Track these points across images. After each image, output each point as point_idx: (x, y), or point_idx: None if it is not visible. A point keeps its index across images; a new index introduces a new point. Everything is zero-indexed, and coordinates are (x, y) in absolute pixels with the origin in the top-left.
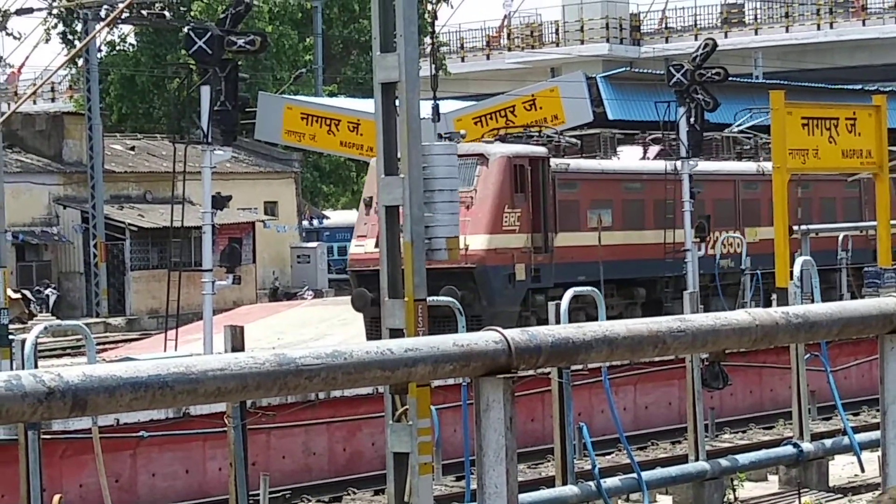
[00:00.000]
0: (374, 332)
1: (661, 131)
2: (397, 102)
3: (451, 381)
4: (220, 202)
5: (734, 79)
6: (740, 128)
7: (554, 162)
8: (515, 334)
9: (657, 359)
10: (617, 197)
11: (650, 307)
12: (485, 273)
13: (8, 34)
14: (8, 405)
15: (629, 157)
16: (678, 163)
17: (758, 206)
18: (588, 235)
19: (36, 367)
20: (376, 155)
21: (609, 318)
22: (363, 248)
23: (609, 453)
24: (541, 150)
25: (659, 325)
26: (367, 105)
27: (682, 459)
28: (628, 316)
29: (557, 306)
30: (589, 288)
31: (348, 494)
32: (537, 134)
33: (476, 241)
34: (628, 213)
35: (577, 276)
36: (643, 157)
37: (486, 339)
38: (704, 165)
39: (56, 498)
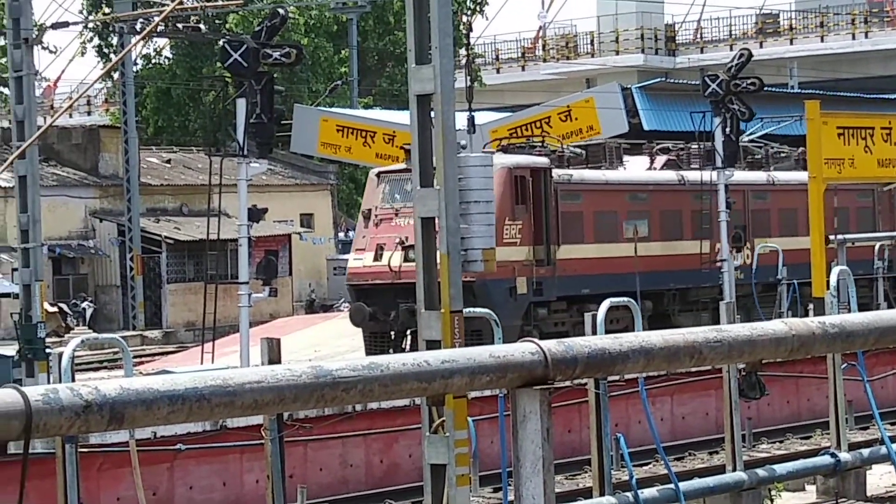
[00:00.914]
0: (373, 347)
1: (696, 142)
2: (433, 114)
3: (487, 393)
4: (256, 215)
5: (769, 89)
6: (751, 137)
7: (556, 173)
8: (552, 345)
9: (693, 369)
10: (622, 208)
11: (656, 320)
12: (485, 287)
13: (44, 48)
14: (45, 419)
15: (635, 168)
16: (707, 173)
17: (767, 217)
18: (592, 248)
19: (73, 380)
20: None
21: (612, 331)
22: (361, 261)
23: (646, 464)
24: (543, 161)
25: (695, 335)
26: (403, 117)
27: (720, 470)
28: (632, 329)
29: (594, 317)
30: (626, 299)
31: None
32: (540, 144)
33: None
34: (633, 225)
35: (580, 290)
36: (650, 168)
37: (523, 350)
38: (710, 175)
39: None
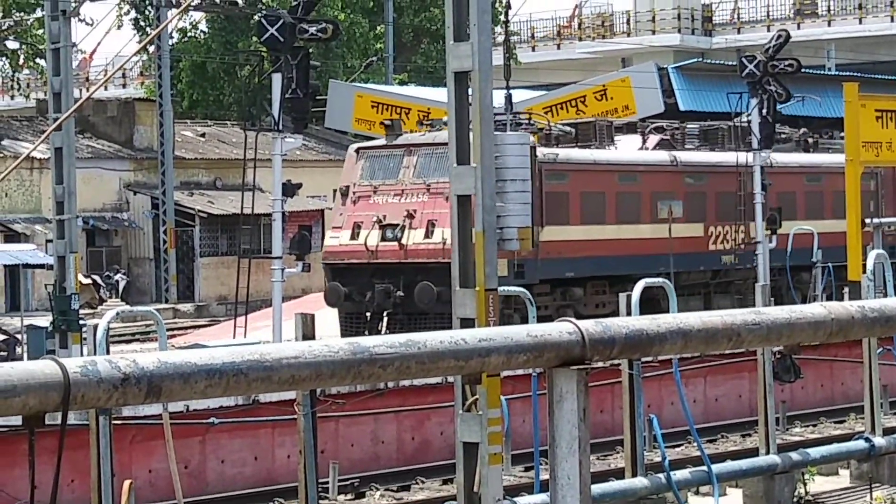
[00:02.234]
0: (348, 328)
1: (732, 122)
2: (470, 91)
3: (519, 371)
4: (290, 189)
5: (806, 70)
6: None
7: (541, 151)
8: (589, 325)
9: (727, 351)
10: (611, 189)
11: (644, 305)
12: None
13: (80, 20)
14: (84, 391)
15: (627, 147)
16: (737, 153)
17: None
18: (578, 229)
19: (108, 352)
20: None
21: (599, 316)
22: (338, 240)
23: (678, 445)
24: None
25: (734, 317)
26: (438, 94)
27: (753, 453)
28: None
29: (628, 297)
30: (661, 280)
31: (416, 483)
32: (526, 122)
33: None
34: (623, 207)
35: (565, 273)
36: (642, 147)
37: (560, 329)
38: (707, 156)
39: (127, 483)
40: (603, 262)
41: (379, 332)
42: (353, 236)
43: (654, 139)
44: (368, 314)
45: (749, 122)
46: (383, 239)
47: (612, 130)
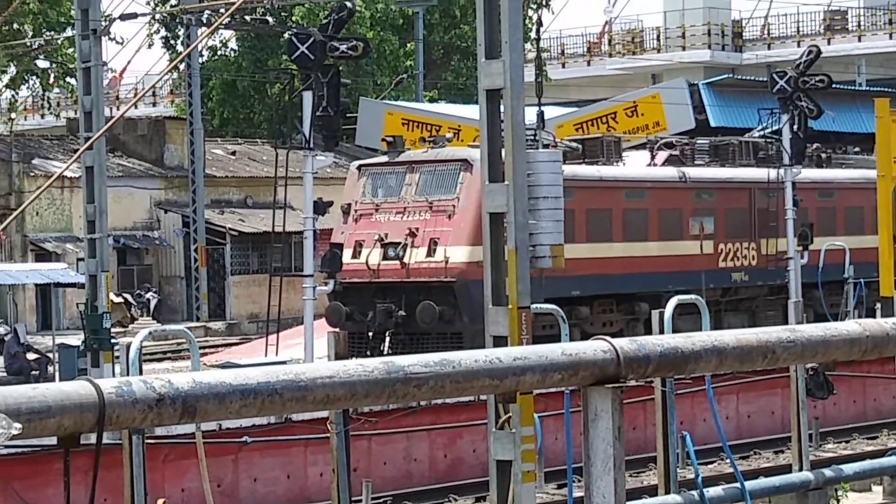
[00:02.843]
0: (350, 349)
1: (763, 138)
2: (502, 109)
3: (552, 389)
4: (321, 207)
5: (837, 86)
6: (762, 132)
7: None
8: (624, 343)
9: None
10: (618, 206)
11: (651, 324)
12: (466, 287)
13: (111, 39)
14: (119, 411)
15: (635, 164)
16: (749, 169)
17: (775, 216)
18: (584, 247)
19: (141, 371)
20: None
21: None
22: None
23: (711, 462)
24: None
25: (768, 335)
26: (468, 111)
27: (786, 469)
28: (629, 333)
29: (661, 315)
30: (693, 297)
31: (449, 501)
32: (532, 138)
33: (457, 254)
34: (630, 224)
35: (570, 291)
36: (650, 164)
37: (595, 348)
38: (717, 172)
39: (160, 503)
40: (610, 280)
41: (381, 353)
42: (355, 255)
43: (662, 155)
44: (371, 334)
45: (762, 137)
46: (385, 258)
47: (619, 146)
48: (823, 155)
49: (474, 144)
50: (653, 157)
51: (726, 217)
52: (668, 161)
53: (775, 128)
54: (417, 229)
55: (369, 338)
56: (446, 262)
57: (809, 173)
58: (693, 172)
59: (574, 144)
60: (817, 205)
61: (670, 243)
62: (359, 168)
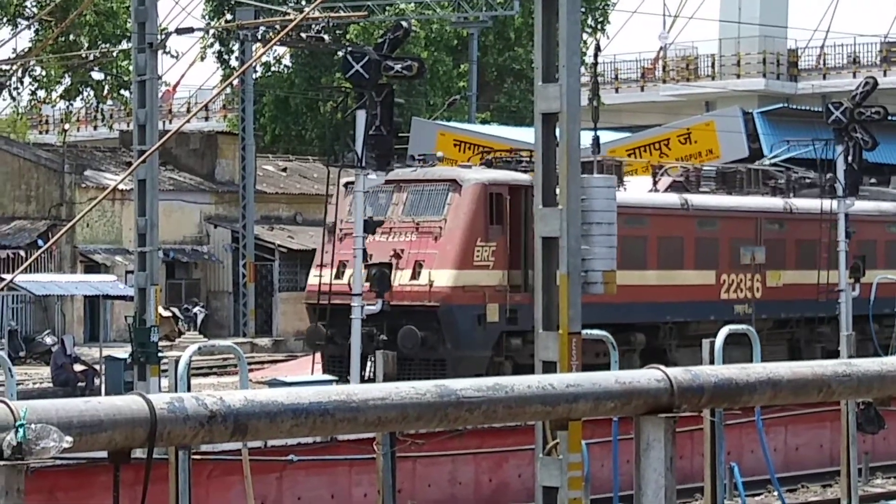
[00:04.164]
0: (331, 372)
1: (818, 170)
2: (558, 133)
3: (599, 416)
4: (371, 226)
5: (893, 118)
6: (774, 160)
7: None
8: (678, 373)
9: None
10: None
11: (648, 355)
12: (450, 313)
13: (165, 52)
14: (170, 427)
15: (636, 189)
16: (755, 198)
17: (783, 247)
18: None
19: (189, 387)
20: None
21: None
22: (322, 279)
23: (758, 494)
24: (523, 178)
25: (824, 368)
26: (520, 133)
27: (834, 503)
28: (624, 364)
29: (712, 344)
30: (744, 326)
31: None
32: (527, 159)
33: (442, 277)
34: (628, 251)
35: None
36: (652, 189)
37: (649, 377)
38: (722, 200)
39: None
40: (606, 310)
41: (363, 378)
42: (338, 275)
43: (665, 181)
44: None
45: (772, 165)
46: (368, 279)
47: (621, 170)
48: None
49: (465, 165)
50: (655, 183)
51: (730, 246)
52: (671, 187)
53: (828, 158)
54: (403, 251)
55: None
56: (430, 285)
57: (821, 203)
58: (696, 199)
59: None
60: (828, 237)
61: (670, 272)
62: (346, 185)
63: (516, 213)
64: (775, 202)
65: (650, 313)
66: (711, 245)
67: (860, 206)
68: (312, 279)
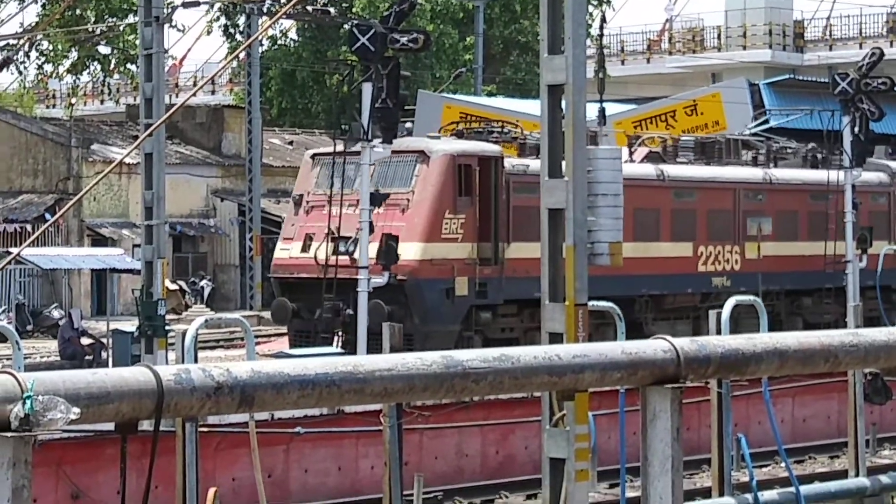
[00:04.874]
0: (300, 347)
1: (754, 136)
2: (563, 105)
3: (606, 388)
4: (378, 199)
5: None
6: (753, 130)
7: (508, 162)
8: (685, 344)
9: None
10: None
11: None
12: (417, 287)
13: (171, 26)
14: (177, 399)
15: None
16: (734, 168)
17: (763, 218)
18: None
19: (196, 360)
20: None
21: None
22: (288, 252)
23: (765, 466)
24: (493, 149)
25: (831, 338)
26: (526, 105)
27: (842, 475)
28: (598, 337)
29: (718, 315)
30: (752, 297)
31: (500, 498)
32: (499, 130)
33: (409, 251)
34: None
35: (533, 292)
36: (627, 160)
37: (655, 347)
38: (699, 171)
39: (211, 491)
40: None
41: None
42: (304, 249)
43: (641, 152)
44: (318, 332)
45: (752, 135)
46: (335, 252)
47: (597, 142)
48: (819, 156)
49: (433, 135)
50: (631, 154)
51: (707, 218)
52: (647, 158)
53: (835, 129)
54: (370, 223)
55: (316, 337)
56: (323, 259)
57: (802, 174)
58: (672, 170)
59: None
60: (809, 208)
61: (645, 244)
62: (312, 157)
63: (486, 184)
64: (754, 172)
65: (625, 286)
66: (688, 217)
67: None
68: (279, 252)
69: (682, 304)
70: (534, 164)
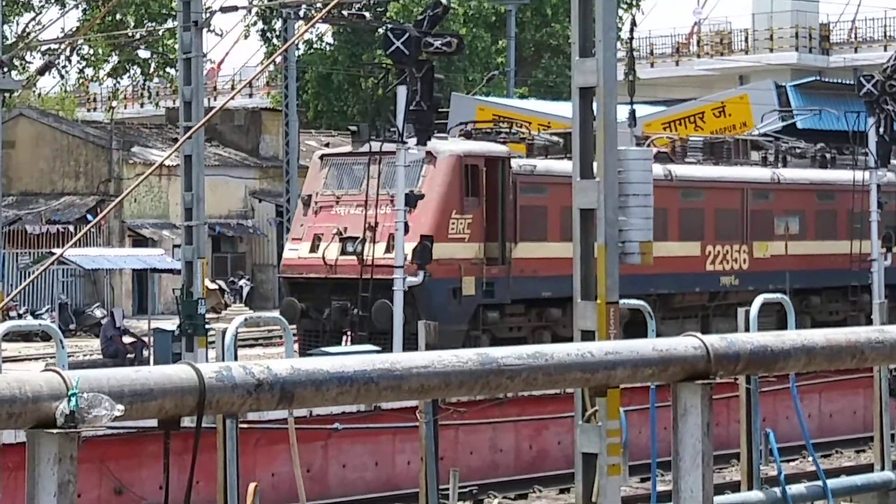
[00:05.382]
0: (307, 347)
1: (763, 136)
2: (594, 107)
3: (637, 384)
4: (412, 200)
5: None
6: (763, 130)
7: (516, 163)
8: (715, 340)
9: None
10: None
11: (632, 328)
12: (424, 286)
13: (210, 31)
14: (218, 396)
15: None
16: (743, 168)
17: (770, 218)
18: (558, 246)
19: (236, 357)
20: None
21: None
22: (296, 252)
23: (793, 460)
24: (500, 149)
25: (857, 335)
26: (557, 108)
27: (868, 469)
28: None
29: (747, 313)
30: (779, 295)
31: (534, 492)
32: (507, 131)
33: (410, 250)
34: None
35: (540, 292)
36: None
37: (686, 344)
38: (707, 171)
39: (252, 486)
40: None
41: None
42: (313, 249)
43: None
44: (326, 332)
45: (762, 136)
46: (343, 252)
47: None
48: (828, 156)
49: (440, 136)
50: None
51: (716, 217)
52: (656, 158)
53: (861, 130)
54: (377, 224)
55: (325, 336)
56: (405, 258)
57: (810, 174)
58: (680, 170)
59: (555, 139)
60: (816, 208)
61: (654, 244)
62: (321, 158)
63: (493, 184)
64: (763, 172)
65: (634, 286)
66: (696, 216)
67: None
68: (288, 252)
69: (690, 304)
70: (541, 164)
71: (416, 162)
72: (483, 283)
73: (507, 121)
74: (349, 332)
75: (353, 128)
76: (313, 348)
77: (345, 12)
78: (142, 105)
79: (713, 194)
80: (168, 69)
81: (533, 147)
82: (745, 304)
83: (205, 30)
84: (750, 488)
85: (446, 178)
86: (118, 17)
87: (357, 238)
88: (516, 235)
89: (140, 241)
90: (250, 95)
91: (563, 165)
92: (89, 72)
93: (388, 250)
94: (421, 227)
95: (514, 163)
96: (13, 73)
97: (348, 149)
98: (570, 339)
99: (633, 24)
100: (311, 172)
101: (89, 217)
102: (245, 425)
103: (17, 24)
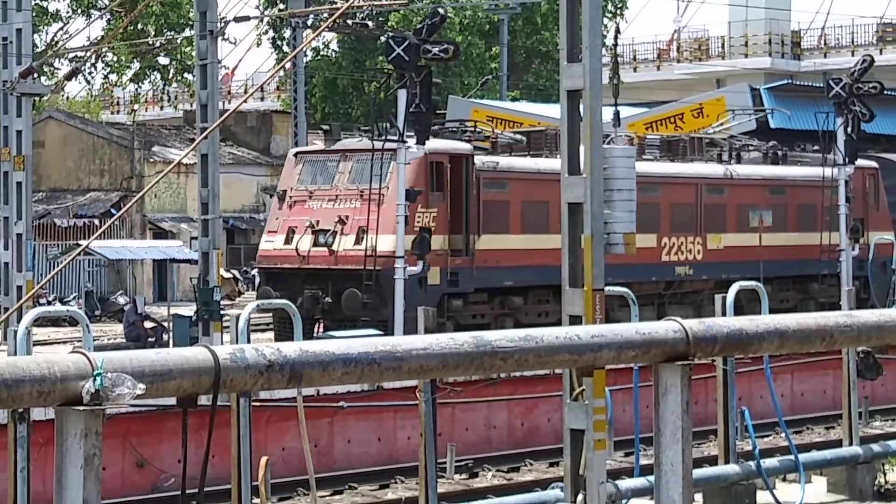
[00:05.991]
0: (282, 334)
1: (819, 140)
2: (581, 108)
3: (621, 365)
4: (412, 195)
5: (889, 92)
6: (718, 129)
7: (479, 160)
8: (693, 324)
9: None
10: (555, 199)
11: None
12: (391, 276)
13: (224, 39)
14: (232, 375)
15: None
16: (696, 164)
17: (723, 211)
18: (519, 238)
19: (249, 340)
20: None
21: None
22: (272, 244)
23: (767, 436)
24: (464, 147)
25: (827, 319)
26: (547, 109)
27: (837, 444)
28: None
29: (723, 299)
30: (753, 283)
31: (525, 465)
32: (471, 130)
33: (384, 242)
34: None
35: (502, 282)
36: None
37: (667, 328)
38: (663, 167)
39: (263, 460)
40: (546, 271)
41: (314, 338)
42: (287, 241)
43: None
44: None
45: (715, 133)
46: (315, 244)
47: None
48: (780, 152)
49: (409, 135)
50: None
51: (671, 211)
52: None
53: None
54: (347, 217)
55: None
56: (374, 250)
57: (761, 170)
58: (638, 167)
59: (518, 137)
60: (768, 202)
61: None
62: (295, 155)
63: (457, 180)
64: (716, 168)
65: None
66: (653, 210)
67: (800, 171)
68: (264, 244)
69: (647, 292)
70: (503, 160)
71: (385, 159)
72: (448, 272)
73: (473, 121)
74: (321, 320)
75: (326, 127)
76: (288, 335)
77: (349, 22)
78: (161, 108)
79: (669, 189)
80: (186, 75)
81: (497, 145)
82: (699, 293)
83: (220, 38)
84: (727, 462)
85: (412, 174)
86: (139, 26)
87: (329, 231)
88: (479, 228)
89: (160, 234)
90: (262, 99)
91: (525, 162)
92: (113, 77)
93: (357, 242)
94: (389, 221)
95: (478, 159)
96: (42, 78)
97: (321, 146)
98: (532, 326)
99: (618, 31)
100: (286, 169)
101: (113, 211)
102: (257, 403)
103: (47, 33)
